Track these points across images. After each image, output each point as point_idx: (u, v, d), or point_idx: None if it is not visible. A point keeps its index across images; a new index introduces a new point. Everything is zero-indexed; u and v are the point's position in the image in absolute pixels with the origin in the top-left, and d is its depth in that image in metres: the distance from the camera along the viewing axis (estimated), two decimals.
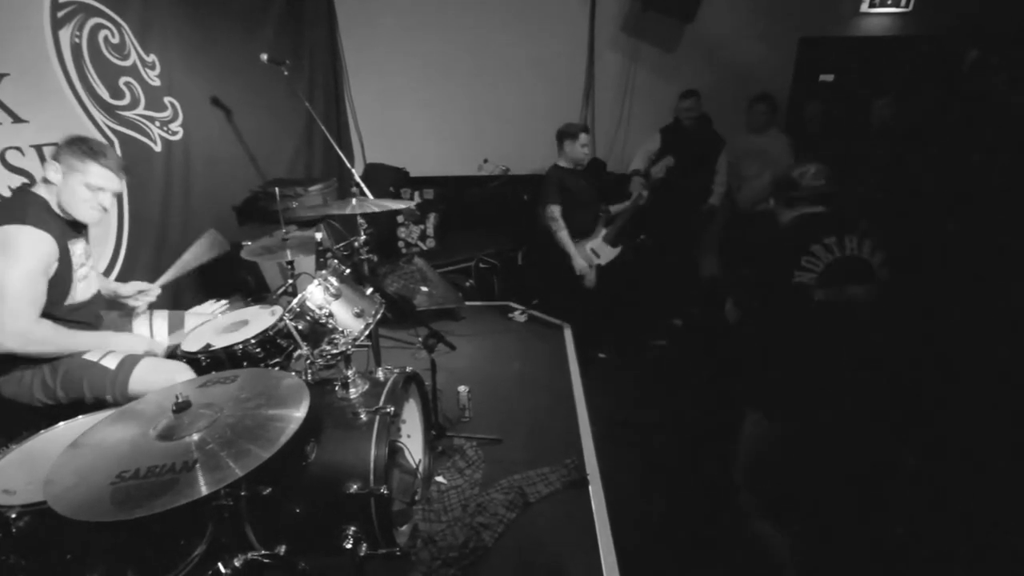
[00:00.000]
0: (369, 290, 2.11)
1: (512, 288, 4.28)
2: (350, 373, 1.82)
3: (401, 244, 4.59)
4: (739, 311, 1.96)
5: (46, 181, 1.75)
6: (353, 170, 3.03)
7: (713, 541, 2.12)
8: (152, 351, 1.94)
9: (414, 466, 1.95)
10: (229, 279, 3.22)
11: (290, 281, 2.47)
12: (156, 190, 2.93)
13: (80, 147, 1.74)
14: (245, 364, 1.99)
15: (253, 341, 1.98)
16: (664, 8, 4.20)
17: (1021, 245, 2.64)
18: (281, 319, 1.95)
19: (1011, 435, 2.29)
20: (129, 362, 1.80)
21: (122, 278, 2.68)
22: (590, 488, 2.27)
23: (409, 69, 4.83)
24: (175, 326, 2.17)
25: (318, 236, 2.35)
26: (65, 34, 2.43)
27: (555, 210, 3.42)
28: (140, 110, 2.82)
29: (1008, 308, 2.53)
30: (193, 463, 1.12)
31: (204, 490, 1.05)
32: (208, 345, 1.96)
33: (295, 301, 1.83)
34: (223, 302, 2.38)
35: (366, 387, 1.83)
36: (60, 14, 2.40)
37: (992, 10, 3.78)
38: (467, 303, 3.98)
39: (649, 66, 4.63)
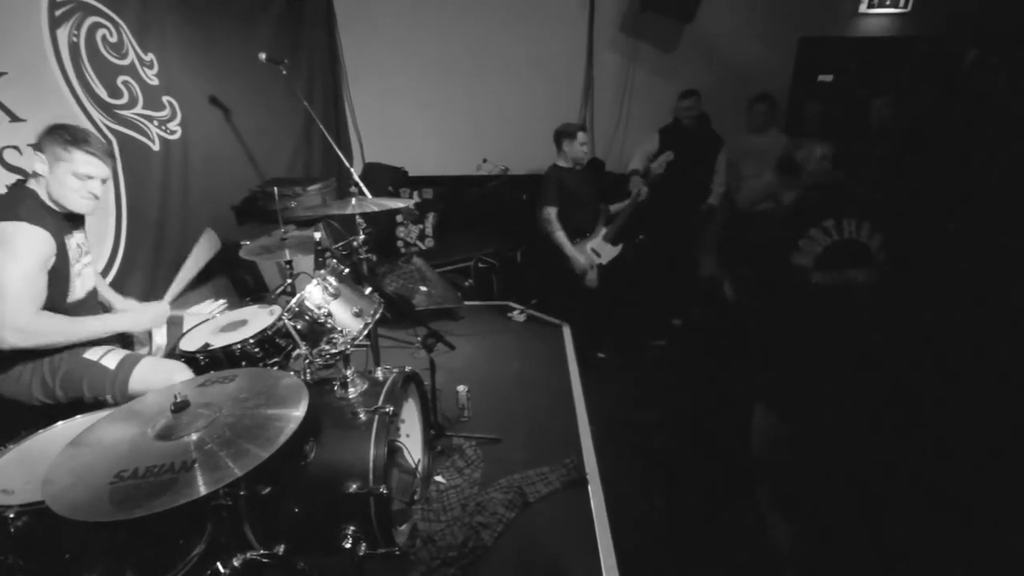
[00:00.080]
0: (368, 290, 2.11)
1: (511, 288, 4.28)
2: (349, 373, 1.82)
3: (400, 244, 4.59)
4: (737, 295, 1.96)
5: (35, 174, 1.72)
6: (352, 170, 3.02)
7: (713, 541, 2.12)
8: (160, 323, 1.93)
9: (413, 466, 1.95)
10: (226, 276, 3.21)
11: (289, 281, 2.47)
12: (154, 189, 2.92)
13: (62, 135, 1.69)
14: (244, 364, 1.99)
15: (252, 341, 1.98)
16: (663, 8, 4.20)
17: (1021, 245, 2.64)
18: (280, 319, 1.95)
19: (1011, 435, 2.29)
20: (129, 362, 1.80)
21: (120, 278, 2.67)
22: (589, 488, 2.28)
23: (408, 68, 4.83)
24: (173, 325, 2.16)
25: (317, 236, 2.35)
26: (63, 33, 2.42)
27: (551, 212, 3.42)
28: (138, 109, 2.81)
29: (1008, 308, 2.53)
30: (192, 463, 1.11)
31: (203, 490, 1.05)
32: (207, 345, 1.96)
33: (294, 301, 1.83)
34: (222, 302, 2.37)
35: (365, 387, 1.82)
36: (58, 13, 2.40)
37: (991, 10, 3.79)
38: (466, 303, 3.98)
39: (648, 66, 4.63)
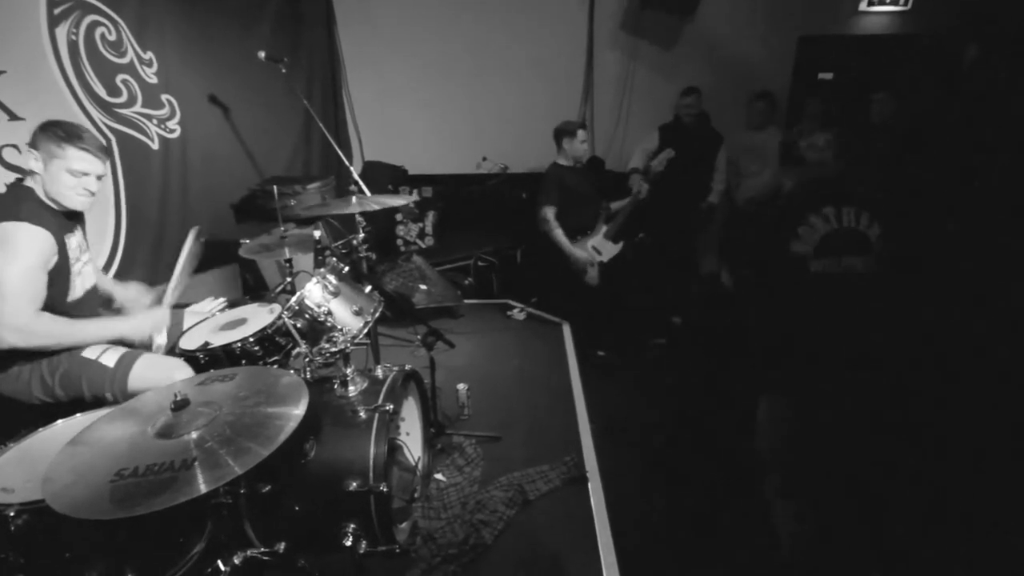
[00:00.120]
0: (368, 288, 2.11)
1: (511, 286, 4.28)
2: (349, 371, 1.82)
3: (400, 242, 4.59)
4: (736, 280, 1.96)
5: (31, 172, 1.71)
6: (351, 168, 3.02)
7: (713, 541, 2.12)
8: (159, 329, 1.92)
9: (413, 464, 1.95)
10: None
11: (288, 279, 2.47)
12: (154, 188, 2.92)
13: (55, 131, 1.68)
14: (244, 362, 1.99)
15: (252, 339, 1.98)
16: (663, 5, 4.20)
17: (1021, 245, 2.64)
18: (280, 317, 1.95)
19: (1011, 435, 2.29)
20: (128, 359, 1.79)
21: (120, 275, 2.67)
22: (589, 486, 2.28)
23: (408, 66, 4.82)
24: (173, 323, 2.16)
25: (316, 234, 2.35)
26: (62, 31, 2.42)
27: (549, 211, 3.41)
28: (137, 108, 2.81)
29: (1008, 308, 2.53)
30: (192, 461, 1.11)
31: (203, 488, 1.05)
32: (206, 343, 1.95)
33: (294, 299, 1.83)
34: (221, 300, 2.37)
35: (365, 385, 1.82)
36: (56, 11, 2.39)
37: (991, 8, 3.78)
38: (466, 301, 3.98)
39: (648, 64, 4.62)
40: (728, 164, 3.93)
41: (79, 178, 1.71)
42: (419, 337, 2.51)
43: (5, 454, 1.42)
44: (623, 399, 3.04)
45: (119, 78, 2.71)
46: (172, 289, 2.03)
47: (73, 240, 1.79)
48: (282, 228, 2.45)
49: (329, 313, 1.83)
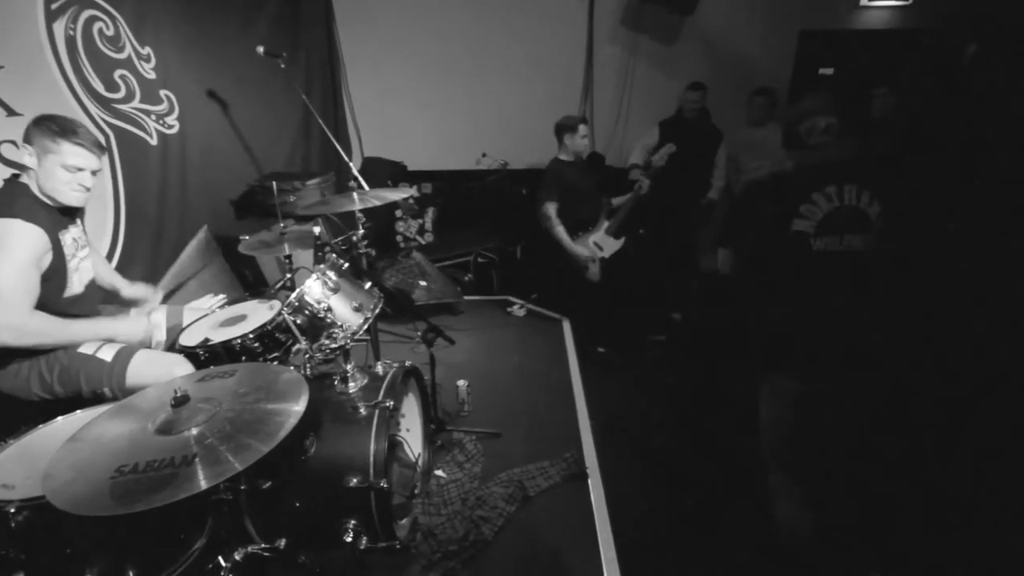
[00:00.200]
0: (367, 284, 2.10)
1: (511, 282, 4.28)
2: (349, 367, 1.82)
3: (399, 238, 4.59)
4: (736, 258, 1.95)
5: (28, 168, 1.70)
6: (351, 164, 3.01)
7: (713, 541, 2.12)
8: (152, 334, 1.92)
9: (413, 460, 1.96)
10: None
11: (288, 275, 2.47)
12: (152, 184, 2.91)
13: (49, 126, 1.66)
14: (243, 359, 1.98)
15: (251, 336, 1.97)
16: (663, 1, 4.18)
17: (1021, 245, 2.63)
18: (279, 313, 1.94)
19: (1011, 435, 2.29)
20: (125, 353, 1.79)
21: (120, 271, 2.66)
22: (589, 482, 2.28)
23: (407, 65, 4.80)
24: (173, 320, 2.16)
25: (316, 230, 2.34)
26: (59, 26, 2.40)
27: (551, 208, 3.40)
28: (136, 103, 2.80)
29: (1008, 308, 2.53)
30: (192, 457, 1.11)
31: (203, 484, 1.05)
32: (206, 339, 1.95)
33: (293, 295, 1.83)
34: (221, 296, 2.37)
35: (365, 381, 1.82)
36: (54, 6, 2.38)
37: (991, 6, 3.76)
38: (466, 297, 3.98)
39: (648, 60, 4.61)
40: (728, 161, 3.92)
41: (74, 173, 1.70)
42: (419, 333, 2.51)
43: (5, 451, 1.41)
44: (623, 396, 3.05)
45: (117, 73, 2.70)
46: (169, 279, 2.03)
47: (69, 236, 1.78)
48: (282, 224, 2.44)
49: (329, 309, 1.83)
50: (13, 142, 2.19)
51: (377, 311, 2.02)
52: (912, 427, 2.34)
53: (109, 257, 2.68)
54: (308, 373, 1.86)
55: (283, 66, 3.19)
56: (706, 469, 2.46)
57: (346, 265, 2.07)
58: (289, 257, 2.45)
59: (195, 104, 3.21)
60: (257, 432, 1.19)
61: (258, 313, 2.16)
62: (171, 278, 2.08)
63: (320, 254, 2.44)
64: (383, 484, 1.55)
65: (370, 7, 4.66)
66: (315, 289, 1.84)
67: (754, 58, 4.39)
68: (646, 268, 3.73)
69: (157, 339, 2.07)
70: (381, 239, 4.42)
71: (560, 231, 3.40)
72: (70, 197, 1.73)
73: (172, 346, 2.03)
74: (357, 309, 1.92)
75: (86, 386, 1.75)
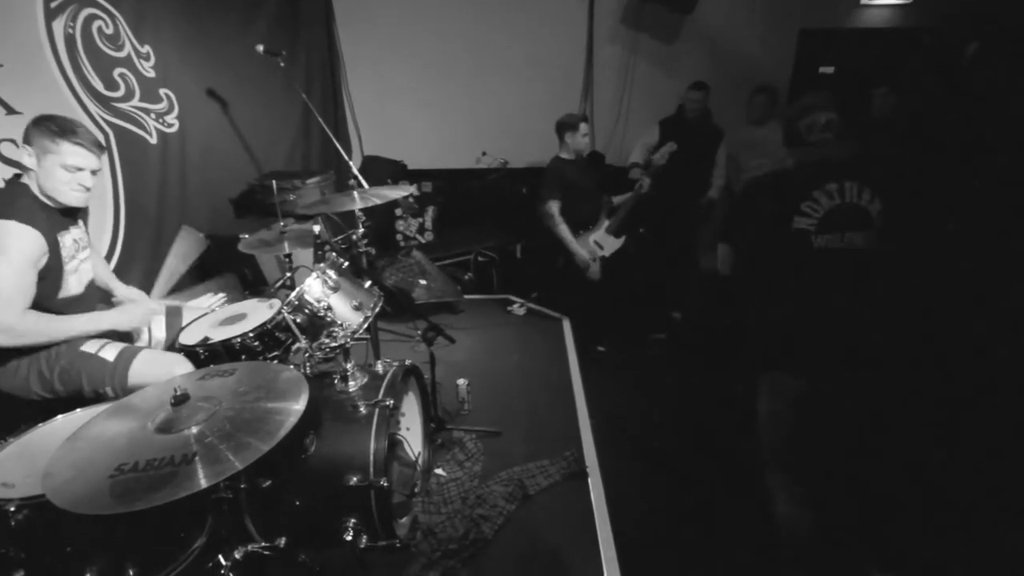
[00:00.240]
0: (367, 283, 2.10)
1: (511, 281, 4.28)
2: (349, 366, 1.82)
3: (399, 237, 4.58)
4: (736, 256, 1.94)
5: (27, 169, 1.70)
6: (351, 162, 3.01)
7: (713, 541, 2.12)
8: (148, 318, 1.91)
9: (413, 459, 1.96)
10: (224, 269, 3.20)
11: (288, 274, 2.47)
12: (152, 183, 2.91)
13: (49, 126, 1.66)
14: (243, 357, 1.98)
15: (251, 334, 1.97)
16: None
17: (1021, 245, 2.63)
18: (279, 312, 1.94)
19: (1011, 435, 2.29)
20: (128, 354, 1.79)
21: (119, 270, 2.66)
22: (589, 481, 2.28)
23: (407, 65, 4.80)
24: (173, 319, 2.16)
25: (316, 229, 2.34)
26: (58, 25, 2.40)
27: (553, 206, 3.40)
28: (135, 102, 2.79)
29: (1008, 308, 2.52)
30: (192, 456, 1.11)
31: (203, 483, 1.05)
32: (206, 338, 1.95)
33: (293, 294, 1.83)
34: (221, 295, 2.37)
35: (365, 380, 1.82)
36: (53, 4, 2.38)
37: (991, 5, 3.76)
38: (466, 296, 3.98)
39: (648, 59, 4.60)
40: (728, 160, 3.91)
41: (73, 173, 1.70)
42: (419, 332, 2.51)
43: (5, 449, 1.41)
44: (623, 395, 3.05)
45: (116, 72, 2.69)
46: (163, 280, 2.02)
47: (69, 237, 1.78)
48: (282, 223, 2.44)
49: (329, 308, 1.83)
50: (13, 141, 2.19)
51: (377, 310, 2.02)
52: (912, 427, 2.34)
53: (109, 256, 2.67)
54: (308, 372, 1.86)
55: (283, 65, 3.19)
56: (706, 469, 2.46)
57: (346, 264, 2.06)
58: (289, 256, 2.45)
59: (195, 103, 3.21)
60: (257, 431, 1.19)
61: (258, 312, 2.16)
62: (163, 282, 2.07)
63: (320, 253, 2.45)
64: (383, 483, 1.55)
65: (370, 7, 4.66)
66: (315, 288, 1.84)
67: (754, 57, 4.39)
68: (646, 267, 3.73)
69: (157, 337, 2.07)
70: (381, 238, 4.42)
71: (563, 229, 3.39)
72: (70, 197, 1.73)
73: (172, 345, 2.03)
74: (357, 308, 1.91)
75: (88, 385, 1.74)
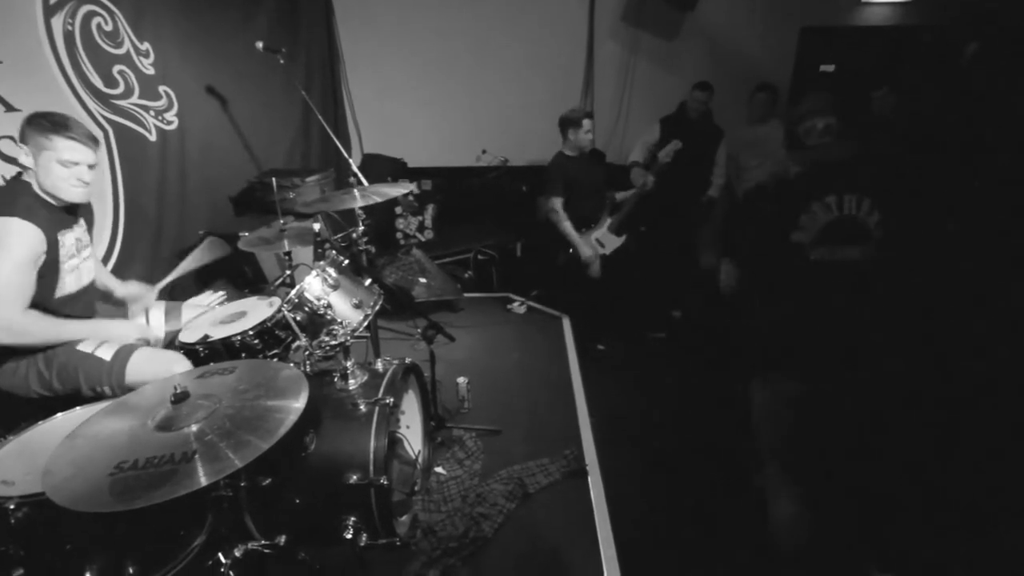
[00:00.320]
0: (367, 281, 2.10)
1: (511, 279, 4.28)
2: (349, 364, 1.82)
3: (399, 235, 4.58)
4: (739, 271, 1.94)
5: (26, 168, 1.70)
6: (351, 160, 3.00)
7: (713, 540, 2.12)
8: (146, 338, 1.92)
9: (413, 457, 1.96)
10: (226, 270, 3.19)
11: (288, 272, 2.46)
12: (152, 180, 2.90)
13: (41, 123, 1.66)
14: (243, 355, 1.98)
15: (251, 332, 1.97)
16: None
17: (1021, 245, 2.63)
18: (279, 310, 1.94)
19: (1011, 435, 2.29)
20: (124, 352, 1.78)
21: (118, 270, 2.66)
22: (589, 479, 2.28)
23: (407, 63, 4.79)
24: (172, 317, 2.16)
25: (316, 227, 2.33)
26: (57, 21, 2.39)
27: (557, 202, 3.39)
28: (134, 99, 2.79)
29: (1008, 308, 2.52)
30: (192, 454, 1.11)
31: (203, 481, 1.05)
32: (206, 336, 1.95)
33: (293, 292, 1.82)
34: (220, 293, 2.37)
35: (365, 378, 1.82)
36: (52, 1, 2.37)
37: (992, 5, 3.75)
38: (466, 294, 3.97)
39: (649, 57, 4.60)
40: (728, 159, 3.91)
41: (70, 168, 1.69)
42: (419, 330, 2.50)
43: (5, 447, 1.41)
44: (623, 394, 3.04)
45: (116, 69, 2.68)
46: (171, 274, 2.03)
47: (70, 236, 1.77)
48: (281, 221, 2.44)
49: (329, 306, 1.83)
50: (11, 138, 2.18)
51: (377, 308, 2.02)
52: (912, 427, 2.34)
53: (108, 254, 2.67)
54: (308, 370, 1.86)
55: (282, 62, 3.18)
56: (706, 469, 2.46)
57: (346, 262, 2.06)
58: (289, 254, 2.44)
59: (194, 100, 3.20)
60: (257, 429, 1.18)
61: (258, 310, 2.16)
62: (170, 280, 2.08)
63: (320, 251, 2.44)
64: (383, 481, 1.55)
65: (370, 4, 4.65)
66: (315, 286, 1.84)
67: (755, 55, 4.38)
68: (647, 265, 3.72)
69: (156, 335, 2.07)
70: (381, 236, 4.41)
71: (567, 226, 3.38)
72: (70, 193, 1.72)
73: (172, 343, 2.03)
74: (357, 306, 1.91)
75: (85, 384, 1.74)
